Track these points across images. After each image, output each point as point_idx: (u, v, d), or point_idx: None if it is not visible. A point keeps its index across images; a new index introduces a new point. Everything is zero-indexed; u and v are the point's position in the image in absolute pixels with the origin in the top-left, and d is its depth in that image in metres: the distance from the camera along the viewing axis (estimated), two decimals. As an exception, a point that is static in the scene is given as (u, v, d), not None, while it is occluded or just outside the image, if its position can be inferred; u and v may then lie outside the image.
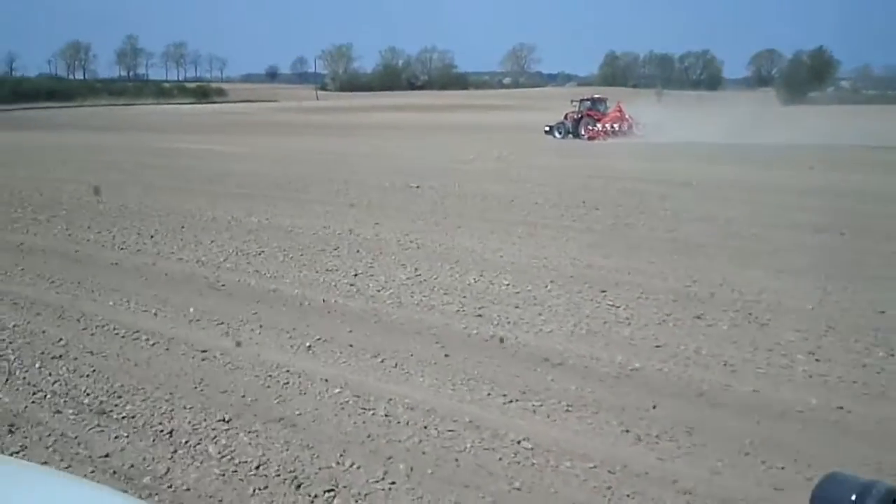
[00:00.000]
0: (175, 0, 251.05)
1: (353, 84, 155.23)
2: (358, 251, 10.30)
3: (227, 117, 72.61)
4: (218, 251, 10.30)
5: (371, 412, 5.37)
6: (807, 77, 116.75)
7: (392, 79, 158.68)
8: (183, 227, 12.01)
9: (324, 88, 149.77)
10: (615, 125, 42.04)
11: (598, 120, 43.23)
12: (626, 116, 42.49)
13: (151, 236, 11.28)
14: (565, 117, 44.93)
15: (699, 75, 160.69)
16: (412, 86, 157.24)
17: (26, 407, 5.50)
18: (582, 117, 44.08)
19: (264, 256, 10.01)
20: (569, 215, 13.35)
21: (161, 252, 10.27)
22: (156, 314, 7.61)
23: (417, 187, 16.69)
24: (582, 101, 45.60)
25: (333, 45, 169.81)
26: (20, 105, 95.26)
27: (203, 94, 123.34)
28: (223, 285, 8.65)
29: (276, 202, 14.56)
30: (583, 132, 42.94)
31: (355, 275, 9.12)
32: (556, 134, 43.64)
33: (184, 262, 9.74)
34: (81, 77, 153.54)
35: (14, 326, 7.19)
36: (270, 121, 66.58)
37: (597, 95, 48.19)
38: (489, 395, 5.67)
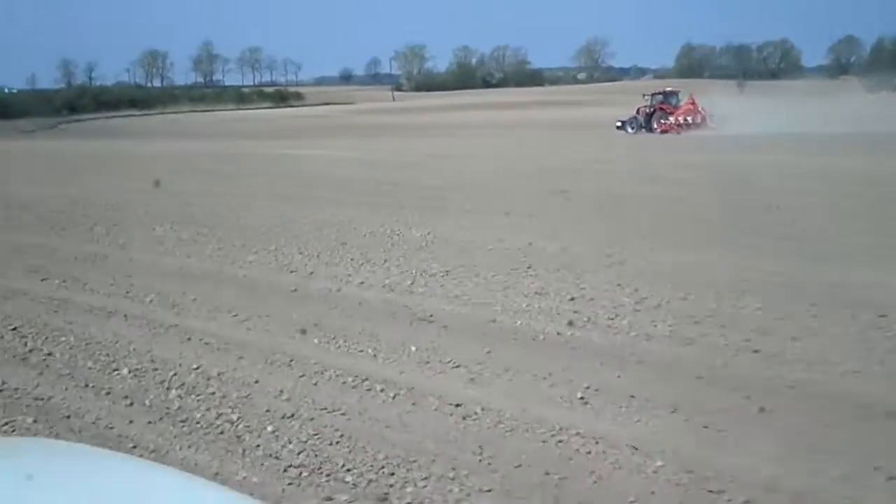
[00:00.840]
0: (249, 6, 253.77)
1: (428, 84, 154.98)
2: (558, 270, 9.12)
3: (312, 121, 72.45)
4: (399, 272, 9.21)
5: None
6: (891, 63, 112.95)
7: (467, 77, 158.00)
8: (344, 243, 10.97)
9: (399, 89, 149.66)
10: (688, 118, 42.20)
11: (671, 113, 43.56)
12: (699, 109, 42.01)
13: (317, 255, 10.25)
14: (637, 112, 45.08)
15: (778, 65, 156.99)
16: (487, 84, 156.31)
17: (283, 490, 4.44)
18: (654, 111, 44.63)
19: (453, 278, 8.89)
20: (791, 224, 12.06)
21: (336, 275, 9.21)
22: (375, 355, 6.52)
23: (563, 192, 15.50)
24: (654, 94, 46.05)
25: (406, 45, 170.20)
26: (103, 114, 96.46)
27: (281, 98, 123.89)
28: (431, 315, 7.53)
29: (424, 212, 13.51)
30: (655, 126, 43.36)
31: (571, 299, 7.96)
32: (629, 129, 44.37)
33: (370, 288, 8.64)
34: (159, 84, 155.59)
35: (220, 374, 6.15)
36: (355, 123, 66.07)
37: (669, 89, 48.35)
38: None
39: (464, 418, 5.28)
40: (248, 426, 5.25)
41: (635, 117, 44.88)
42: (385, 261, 9.81)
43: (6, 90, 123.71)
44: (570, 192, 15.48)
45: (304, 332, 7.15)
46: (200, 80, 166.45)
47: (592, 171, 20.77)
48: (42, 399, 5.82)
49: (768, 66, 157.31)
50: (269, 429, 5.20)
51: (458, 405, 5.45)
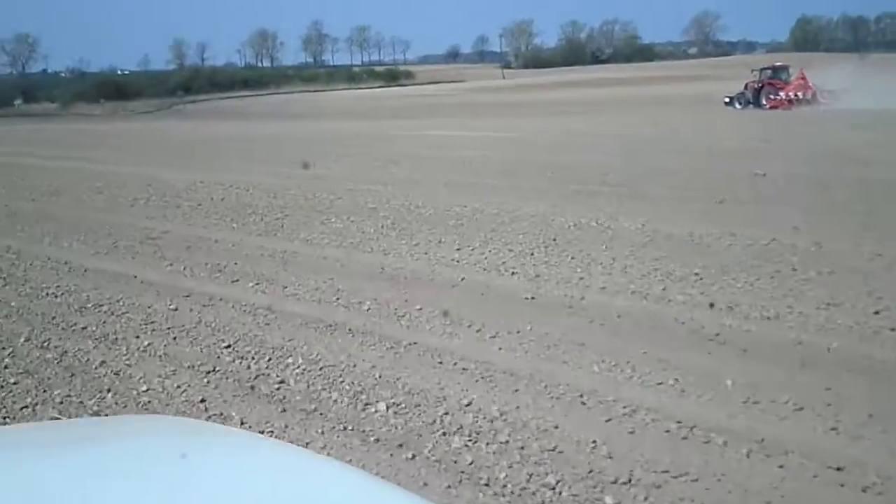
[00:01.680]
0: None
1: (537, 60, 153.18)
2: (832, 272, 7.72)
3: (429, 99, 71.68)
4: (639, 275, 7.94)
5: None
6: None
7: (576, 53, 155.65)
8: (553, 239, 9.77)
9: (507, 66, 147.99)
10: (798, 93, 40.90)
11: (781, 89, 42.32)
12: (809, 84, 41.06)
13: (531, 254, 9.07)
14: (745, 87, 44.65)
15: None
16: (597, 59, 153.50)
17: None
18: (763, 86, 43.59)
19: (711, 282, 7.56)
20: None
21: (568, 279, 7.98)
22: (683, 390, 5.27)
23: (764, 175, 14.02)
24: (763, 69, 45.18)
25: (514, 21, 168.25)
26: (216, 94, 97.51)
27: (392, 77, 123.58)
28: (717, 334, 6.24)
29: (617, 199, 12.24)
30: (764, 102, 42.22)
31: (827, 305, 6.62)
32: (737, 105, 43.79)
33: (616, 294, 7.39)
34: (269, 65, 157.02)
35: (503, 415, 5.00)
36: (475, 101, 65.00)
37: (778, 63, 47.45)
38: None
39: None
40: (575, 498, 4.09)
41: (743, 93, 44.30)
42: (613, 260, 8.56)
43: (119, 72, 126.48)
44: (769, 175, 13.95)
45: (582, 344, 5.97)
46: (310, 60, 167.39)
47: (762, 151, 19.10)
48: (296, 444, 4.74)
49: (886, 38, 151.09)
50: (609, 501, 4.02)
51: (838, 468, 4.19)
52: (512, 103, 59.62)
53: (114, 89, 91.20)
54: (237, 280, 8.63)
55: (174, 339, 6.82)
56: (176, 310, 7.64)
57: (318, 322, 7.02)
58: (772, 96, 42.01)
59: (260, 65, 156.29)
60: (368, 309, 7.32)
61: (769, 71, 44.68)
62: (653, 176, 14.63)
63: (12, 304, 8.09)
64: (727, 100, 44.21)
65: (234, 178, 16.63)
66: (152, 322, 7.30)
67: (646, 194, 12.66)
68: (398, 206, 12.53)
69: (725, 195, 12.10)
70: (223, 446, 1.54)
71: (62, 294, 8.34)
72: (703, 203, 11.64)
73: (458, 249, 9.45)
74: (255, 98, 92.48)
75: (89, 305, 7.91)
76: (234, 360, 6.21)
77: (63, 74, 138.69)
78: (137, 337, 6.91)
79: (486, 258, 8.96)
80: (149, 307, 7.76)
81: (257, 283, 8.42)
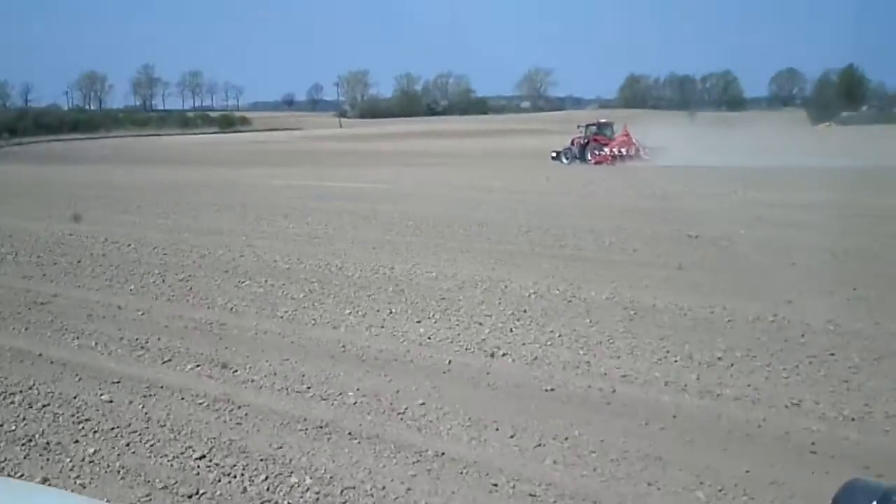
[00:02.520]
0: (189, 29, 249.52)
1: (373, 110, 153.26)
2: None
3: (271, 146, 70.10)
4: (686, 364, 7.01)
5: None
6: (836, 96, 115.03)
7: (412, 104, 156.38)
8: (524, 311, 8.75)
9: (343, 115, 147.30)
10: (622, 149, 42.07)
11: (605, 145, 43.57)
12: (633, 141, 42.43)
13: (510, 329, 8.02)
14: (572, 143, 45.59)
15: (721, 96, 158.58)
16: (432, 111, 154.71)
17: None
18: (588, 142, 44.64)
19: (804, 381, 6.66)
20: None
21: (592, 365, 6.99)
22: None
23: (697, 237, 13.50)
24: (588, 126, 46.29)
25: (350, 71, 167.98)
26: (44, 137, 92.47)
27: (228, 122, 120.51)
28: (760, 424, 5.37)
29: (570, 264, 11.44)
30: (589, 157, 43.28)
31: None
32: (564, 159, 44.47)
33: (645, 385, 6.45)
34: (97, 108, 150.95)
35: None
36: (320, 150, 63.63)
37: (603, 120, 48.61)
38: None
39: None
40: None
41: (570, 148, 45.00)
42: (611, 339, 7.63)
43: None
44: (701, 238, 13.42)
45: (660, 458, 4.96)
46: (139, 103, 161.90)
47: (674, 208, 18.76)
48: None
49: (711, 98, 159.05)
50: None
51: None
52: (364, 152, 58.57)
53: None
54: (169, 360, 7.25)
55: (126, 445, 5.42)
56: (111, 401, 6.20)
57: (301, 421, 5.77)
58: (597, 152, 42.91)
59: (88, 107, 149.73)
60: (356, 403, 6.11)
61: (594, 127, 45.63)
62: (581, 236, 13.88)
63: None
64: (554, 154, 44.86)
65: (107, 229, 14.97)
66: (87, 419, 5.86)
67: (588, 257, 11.88)
68: (315, 267, 11.30)
69: (678, 260, 11.42)
70: None
71: (-46, 381, 6.74)
72: (662, 269, 10.89)
73: (417, 322, 8.34)
74: (88, 141, 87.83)
75: (11, 393, 6.38)
76: (219, 480, 4.90)
77: None
78: (76, 441, 5.47)
79: (459, 335, 7.86)
80: (74, 397, 6.30)
81: (198, 365, 7.07)
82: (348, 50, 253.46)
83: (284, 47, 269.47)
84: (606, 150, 42.66)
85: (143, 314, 8.86)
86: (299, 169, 38.65)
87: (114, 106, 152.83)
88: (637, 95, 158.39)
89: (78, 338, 7.99)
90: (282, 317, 8.67)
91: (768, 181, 24.26)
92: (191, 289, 10.09)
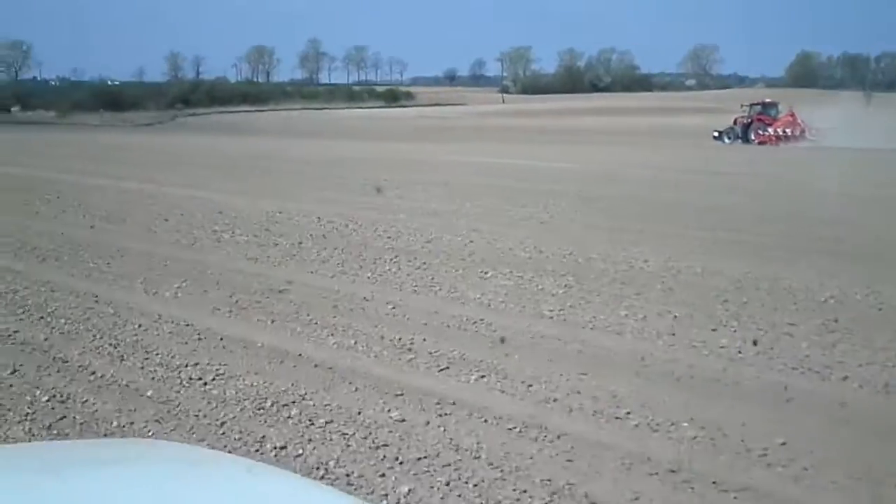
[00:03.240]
0: (355, 3, 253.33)
1: (535, 86, 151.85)
2: None
3: (438, 122, 69.97)
4: None
5: None
6: None
7: (574, 81, 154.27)
8: (834, 319, 7.49)
9: (505, 91, 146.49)
10: (787, 130, 41.23)
11: (769, 125, 42.66)
12: (798, 121, 41.32)
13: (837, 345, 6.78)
14: (734, 122, 44.96)
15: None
16: (595, 87, 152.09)
17: None
18: (752, 122, 43.83)
19: None
20: None
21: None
22: None
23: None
24: (752, 105, 45.45)
25: (512, 47, 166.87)
26: (216, 108, 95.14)
27: (393, 97, 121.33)
28: None
29: (820, 256, 10.04)
30: (752, 137, 42.53)
31: None
32: (726, 139, 43.83)
33: None
34: (264, 80, 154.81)
35: None
36: (490, 125, 63.36)
37: (768, 100, 47.67)
38: None
39: None
40: None
41: (732, 128, 44.50)
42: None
43: (108, 82, 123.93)
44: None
45: None
46: (305, 76, 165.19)
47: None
48: None
49: (885, 78, 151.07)
50: None
51: None
52: (531, 128, 57.66)
53: (110, 99, 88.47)
54: (447, 368, 6.31)
55: (447, 484, 4.49)
56: (403, 420, 5.30)
57: (645, 462, 4.70)
58: (760, 132, 42.06)
59: (256, 80, 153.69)
60: (694, 437, 5.01)
61: (759, 107, 44.72)
62: (835, 228, 12.45)
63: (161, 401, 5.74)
64: (716, 134, 44.03)
65: (310, 207, 14.37)
66: (384, 444, 4.96)
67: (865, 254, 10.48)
68: (558, 257, 10.28)
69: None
70: (223, 474, 1.51)
71: (210, 381, 5.99)
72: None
73: (713, 330, 7.16)
74: (257, 114, 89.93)
75: (284, 404, 5.54)
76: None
77: (52, 82, 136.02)
78: (382, 475, 4.57)
79: (771, 348, 6.66)
80: (358, 413, 5.42)
81: (482, 376, 6.12)
82: (511, 26, 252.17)
83: (447, 22, 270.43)
84: (770, 130, 41.82)
85: (393, 308, 8.00)
86: (473, 145, 37.97)
87: (282, 79, 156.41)
88: (808, 73, 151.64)
89: (332, 334, 7.17)
90: (551, 317, 7.65)
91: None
92: (432, 278, 9.20)
